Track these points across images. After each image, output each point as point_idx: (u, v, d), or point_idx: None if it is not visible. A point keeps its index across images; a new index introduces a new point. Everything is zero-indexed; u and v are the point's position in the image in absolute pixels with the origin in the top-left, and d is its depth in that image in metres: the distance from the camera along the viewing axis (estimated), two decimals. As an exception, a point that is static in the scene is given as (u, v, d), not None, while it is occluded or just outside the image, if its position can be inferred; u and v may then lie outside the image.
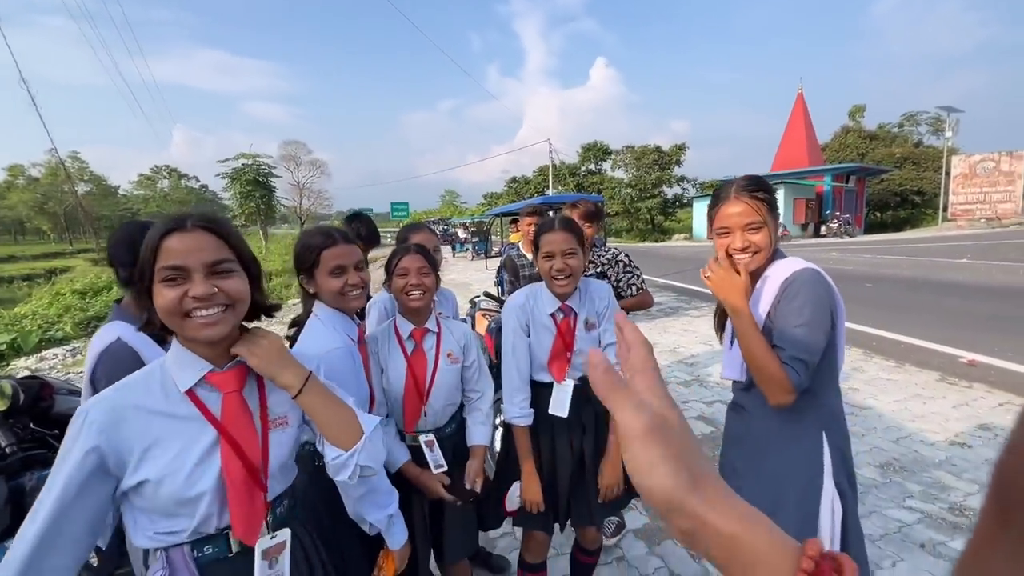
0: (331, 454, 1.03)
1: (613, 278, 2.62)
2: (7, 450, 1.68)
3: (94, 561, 1.45)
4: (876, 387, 4.27)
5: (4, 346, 7.23)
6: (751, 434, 1.39)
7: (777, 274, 1.31)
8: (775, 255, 1.35)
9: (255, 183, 25.32)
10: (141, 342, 1.38)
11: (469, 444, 1.70)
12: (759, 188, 1.31)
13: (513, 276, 2.98)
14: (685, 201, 37.06)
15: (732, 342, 1.37)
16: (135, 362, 1.32)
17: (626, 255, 2.69)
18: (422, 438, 1.58)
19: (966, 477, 2.82)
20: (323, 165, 48.22)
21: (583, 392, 1.69)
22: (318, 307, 1.43)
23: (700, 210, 29.28)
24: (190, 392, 0.93)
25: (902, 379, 4.42)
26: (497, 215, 18.33)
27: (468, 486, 1.62)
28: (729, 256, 1.32)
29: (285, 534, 1.01)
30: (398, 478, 1.48)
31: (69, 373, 6.05)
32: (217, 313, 0.89)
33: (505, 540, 2.52)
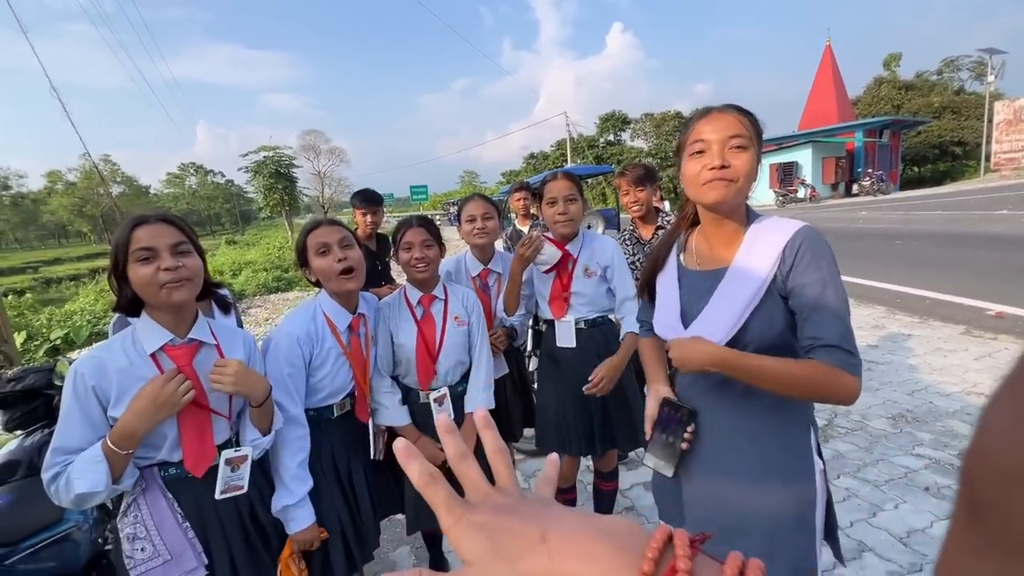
0: (251, 435, 1.32)
1: None
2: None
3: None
4: (896, 343, 4.24)
5: (60, 340, 7.77)
6: (733, 424, 1.12)
7: (767, 236, 1.06)
8: (749, 214, 1.12)
9: (277, 175, 25.77)
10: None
11: (466, 411, 1.79)
12: (745, 110, 1.07)
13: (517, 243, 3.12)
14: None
15: (686, 323, 1.14)
16: None
17: None
18: (432, 395, 1.72)
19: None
20: (342, 153, 48.76)
21: (585, 332, 1.95)
22: (320, 294, 1.58)
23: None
24: (153, 355, 1.17)
25: (925, 334, 4.36)
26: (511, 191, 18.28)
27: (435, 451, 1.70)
28: (702, 184, 1.04)
29: (247, 450, 1.29)
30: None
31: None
32: (182, 282, 1.15)
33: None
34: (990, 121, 24.17)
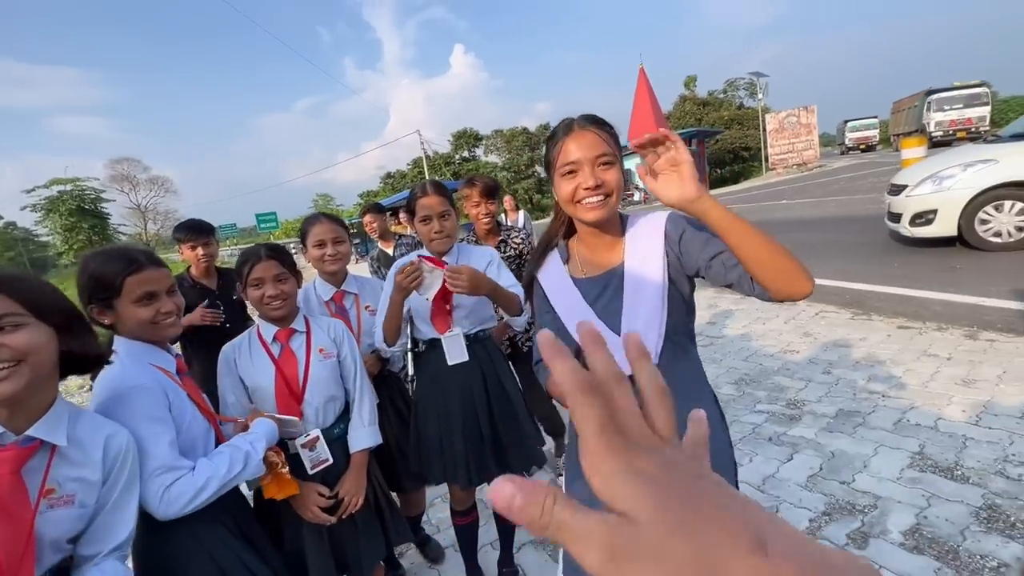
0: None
1: (525, 258, 2.56)
2: None
3: None
4: (727, 317, 4.98)
5: None
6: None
7: (645, 233, 1.14)
8: (622, 218, 1.20)
9: (80, 212, 21.44)
10: None
11: (351, 451, 1.63)
12: (603, 122, 1.12)
13: (386, 266, 3.00)
14: (557, 178, 38.95)
15: (617, 328, 1.17)
16: None
17: (534, 235, 2.73)
18: (299, 440, 1.52)
19: (796, 377, 3.43)
20: (166, 182, 42.62)
21: (468, 349, 1.82)
22: (118, 343, 1.24)
23: (572, 185, 30.95)
24: None
25: (746, 307, 5.19)
26: (361, 214, 17.74)
27: (318, 511, 1.49)
28: (576, 203, 1.11)
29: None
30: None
31: None
32: (6, 368, 0.88)
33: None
34: (764, 130, 29.99)
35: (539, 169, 38.90)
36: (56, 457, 0.95)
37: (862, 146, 34.77)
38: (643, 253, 1.13)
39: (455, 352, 1.81)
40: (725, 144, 35.89)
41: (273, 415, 1.42)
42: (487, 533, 2.26)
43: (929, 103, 23.89)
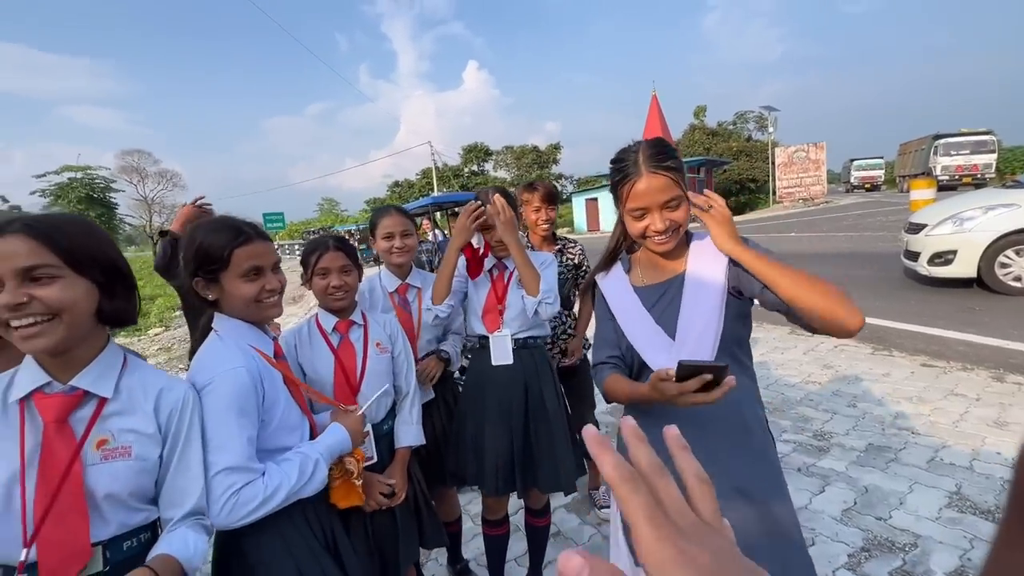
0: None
1: (582, 269, 2.55)
2: None
3: None
4: (745, 345, 4.96)
5: None
6: (721, 412, 1.06)
7: (712, 250, 1.17)
8: (686, 234, 1.24)
9: (88, 200, 21.47)
10: None
11: (395, 447, 1.62)
12: (668, 156, 1.13)
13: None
14: (564, 197, 39.21)
15: (673, 334, 1.18)
16: None
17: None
18: None
19: (821, 408, 3.39)
20: (175, 176, 42.66)
21: (515, 353, 1.82)
22: (219, 320, 1.18)
23: (579, 204, 31.25)
24: (23, 400, 0.87)
25: (762, 336, 5.16)
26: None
27: (381, 498, 1.48)
28: (645, 238, 1.17)
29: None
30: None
31: None
32: (40, 323, 0.84)
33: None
34: (773, 163, 30.35)
35: (547, 187, 39.20)
36: (106, 408, 0.93)
37: (867, 185, 35.12)
38: (705, 265, 1.17)
39: (500, 353, 1.82)
40: (732, 175, 36.27)
41: (346, 409, 1.37)
42: (513, 547, 2.20)
43: (936, 147, 24.17)
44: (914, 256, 5.83)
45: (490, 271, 1.89)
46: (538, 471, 1.80)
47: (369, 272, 1.98)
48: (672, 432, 0.36)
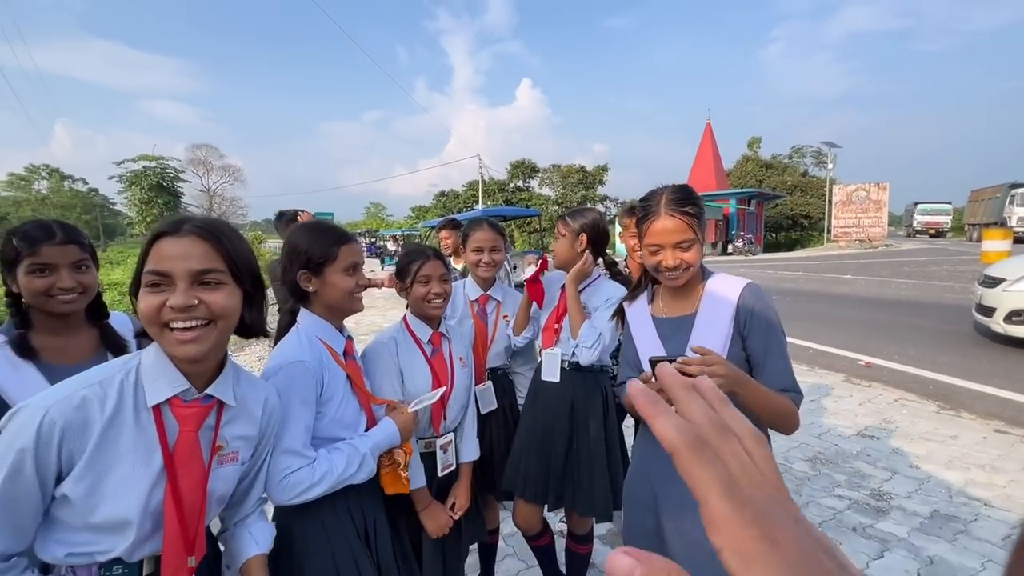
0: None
1: None
2: None
3: None
4: (795, 389, 4.72)
5: None
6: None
7: (722, 293, 1.28)
8: (703, 270, 1.34)
9: (159, 188, 23.01)
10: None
11: (459, 462, 1.65)
12: (689, 202, 1.25)
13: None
14: (608, 219, 38.93)
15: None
16: None
17: None
18: (439, 442, 1.57)
19: (880, 466, 3.18)
20: (237, 171, 45.19)
21: (567, 373, 1.87)
22: (303, 315, 1.28)
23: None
24: (156, 408, 0.86)
25: (814, 381, 4.91)
26: (432, 227, 18.26)
27: (451, 511, 1.57)
28: (658, 272, 1.28)
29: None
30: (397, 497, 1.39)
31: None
32: (197, 328, 0.84)
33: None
34: (830, 201, 29.22)
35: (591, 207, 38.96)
36: (224, 415, 0.95)
37: (931, 231, 33.24)
38: (715, 309, 1.28)
39: (550, 369, 1.89)
40: (785, 209, 35.13)
41: (422, 398, 1.42)
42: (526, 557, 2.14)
43: (1013, 196, 22.63)
44: (988, 312, 5.44)
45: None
46: (575, 492, 1.82)
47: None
48: (706, 384, 0.30)
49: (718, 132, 33.34)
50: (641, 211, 1.32)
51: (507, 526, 2.57)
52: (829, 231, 29.31)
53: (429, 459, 1.55)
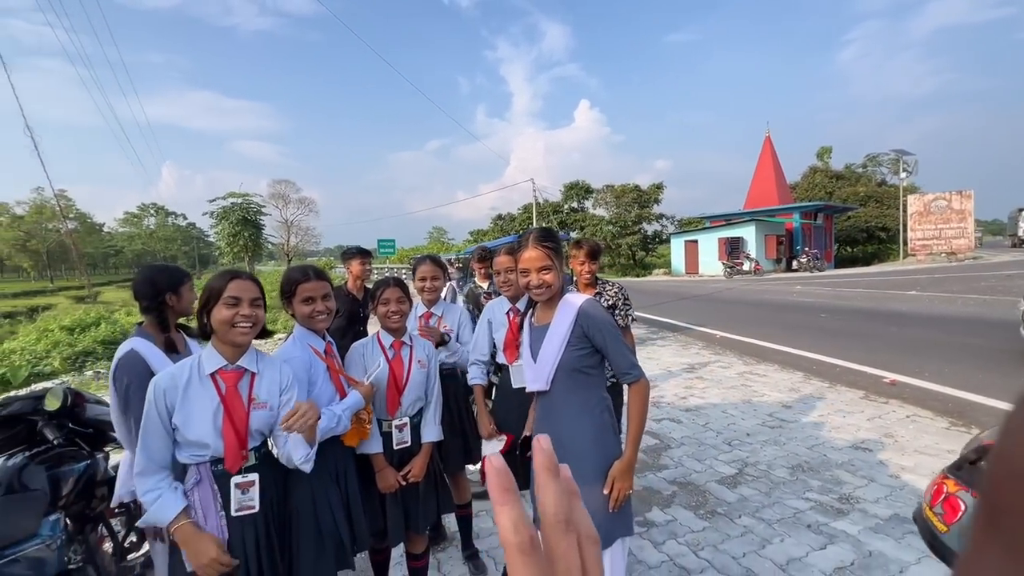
0: (300, 451, 1.59)
1: (618, 308, 2.98)
2: (55, 443, 2.10)
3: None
4: (806, 404, 4.79)
5: (-7, 380, 7.43)
6: (556, 411, 1.75)
7: (568, 307, 1.74)
8: (563, 290, 1.82)
9: (244, 221, 25.93)
10: (149, 351, 1.83)
11: (422, 440, 2.13)
12: (548, 239, 1.73)
13: (474, 305, 3.50)
14: (664, 237, 38.26)
15: (535, 359, 1.78)
16: (143, 367, 1.78)
17: (626, 291, 3.08)
18: (395, 423, 2.07)
19: (859, 474, 3.30)
20: (311, 203, 49.15)
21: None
22: (296, 328, 1.91)
23: (678, 246, 30.33)
24: (212, 375, 1.52)
25: (832, 398, 4.94)
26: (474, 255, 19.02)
27: (402, 479, 2.01)
28: (528, 289, 1.75)
29: (254, 476, 1.54)
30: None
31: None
32: (250, 328, 1.54)
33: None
34: (905, 212, 27.16)
35: (646, 226, 38.57)
36: (256, 379, 1.58)
37: (1039, 240, 29.81)
38: (561, 319, 1.74)
39: (518, 379, 2.36)
40: (859, 221, 32.94)
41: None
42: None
43: None
44: (1030, 327, 5.20)
45: (507, 313, 2.54)
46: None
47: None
48: (566, 473, 0.32)
49: (784, 144, 32.08)
50: (516, 245, 1.81)
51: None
52: (906, 243, 27.15)
53: (388, 437, 2.05)
